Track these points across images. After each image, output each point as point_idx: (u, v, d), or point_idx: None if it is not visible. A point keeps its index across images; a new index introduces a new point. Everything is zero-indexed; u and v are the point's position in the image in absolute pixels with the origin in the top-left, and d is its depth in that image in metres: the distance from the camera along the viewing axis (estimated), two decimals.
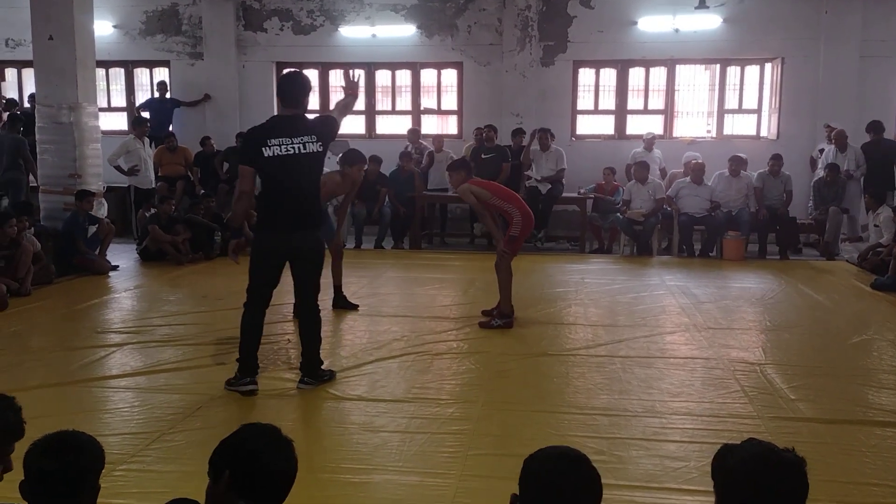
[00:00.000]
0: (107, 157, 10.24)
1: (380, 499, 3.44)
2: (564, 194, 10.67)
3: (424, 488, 3.50)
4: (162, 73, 12.81)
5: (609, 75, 12.09)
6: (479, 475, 3.60)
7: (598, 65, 12.06)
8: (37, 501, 1.96)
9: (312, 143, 4.62)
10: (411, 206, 10.76)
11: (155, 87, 12.49)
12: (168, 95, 12.27)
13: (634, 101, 12.15)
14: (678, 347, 5.90)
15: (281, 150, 4.54)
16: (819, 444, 4.00)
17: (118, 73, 12.94)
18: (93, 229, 8.94)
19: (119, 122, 12.83)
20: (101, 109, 10.46)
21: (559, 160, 10.67)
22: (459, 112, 12.37)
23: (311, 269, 4.84)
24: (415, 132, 11.86)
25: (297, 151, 4.57)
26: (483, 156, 10.63)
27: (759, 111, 12.06)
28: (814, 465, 3.68)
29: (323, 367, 4.98)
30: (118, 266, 9.01)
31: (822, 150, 10.77)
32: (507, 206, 6.37)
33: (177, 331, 6.32)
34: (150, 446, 3.92)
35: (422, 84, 12.51)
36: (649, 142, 11.22)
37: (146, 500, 3.30)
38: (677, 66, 12.00)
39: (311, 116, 4.82)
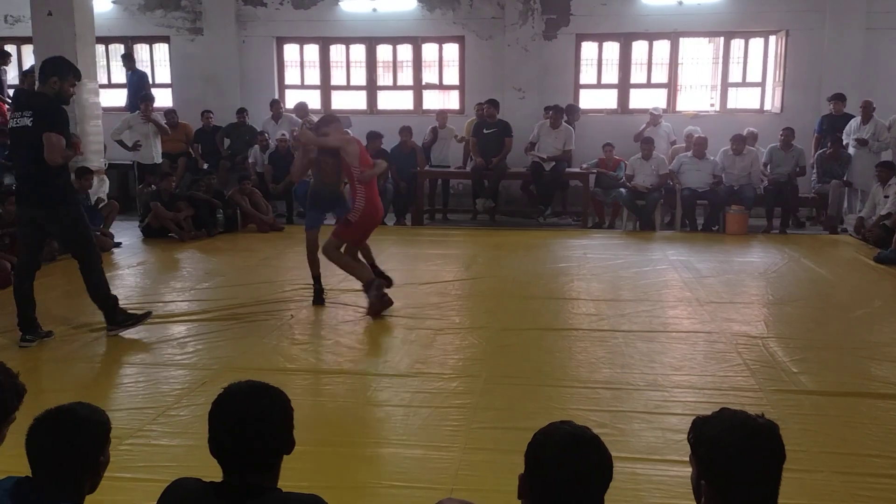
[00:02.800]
0: (110, 133, 10.22)
1: (384, 472, 3.47)
2: (567, 170, 10.62)
3: (428, 461, 3.53)
4: (162, 49, 12.74)
5: (612, 49, 11.99)
6: (482, 448, 3.63)
7: (600, 38, 11.95)
8: (41, 475, 1.97)
9: (25, 118, 5.02)
10: (413, 182, 10.73)
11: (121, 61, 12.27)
12: (143, 68, 12.14)
13: (638, 75, 12.06)
14: (680, 321, 5.91)
15: (12, 123, 5.15)
16: (821, 416, 4.02)
17: (118, 50, 12.85)
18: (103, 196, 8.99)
19: (119, 98, 12.75)
20: (101, 86, 10.43)
21: (567, 140, 10.58)
22: (461, 87, 12.30)
23: (63, 236, 5.34)
24: (302, 108, 11.50)
25: (15, 125, 5.10)
26: (485, 131, 10.58)
27: (762, 84, 11.98)
28: (815, 436, 3.75)
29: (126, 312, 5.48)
30: (121, 243, 9.02)
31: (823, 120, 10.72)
32: (358, 184, 5.90)
33: (180, 307, 6.36)
34: (155, 420, 3.95)
35: (423, 59, 12.42)
36: (655, 118, 11.13)
37: (153, 473, 3.33)
38: (681, 40, 11.90)
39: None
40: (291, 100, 12.57)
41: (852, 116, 10.37)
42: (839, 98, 10.47)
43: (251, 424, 1.88)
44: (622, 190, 10.19)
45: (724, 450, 1.76)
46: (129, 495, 3.08)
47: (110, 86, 12.68)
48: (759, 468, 1.76)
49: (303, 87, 12.70)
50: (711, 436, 1.80)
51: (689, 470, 3.32)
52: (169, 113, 11.49)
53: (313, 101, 12.56)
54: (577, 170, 10.67)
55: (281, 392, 1.99)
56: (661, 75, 12.02)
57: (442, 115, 11.26)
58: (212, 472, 1.97)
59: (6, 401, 2.21)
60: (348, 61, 12.58)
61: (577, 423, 1.89)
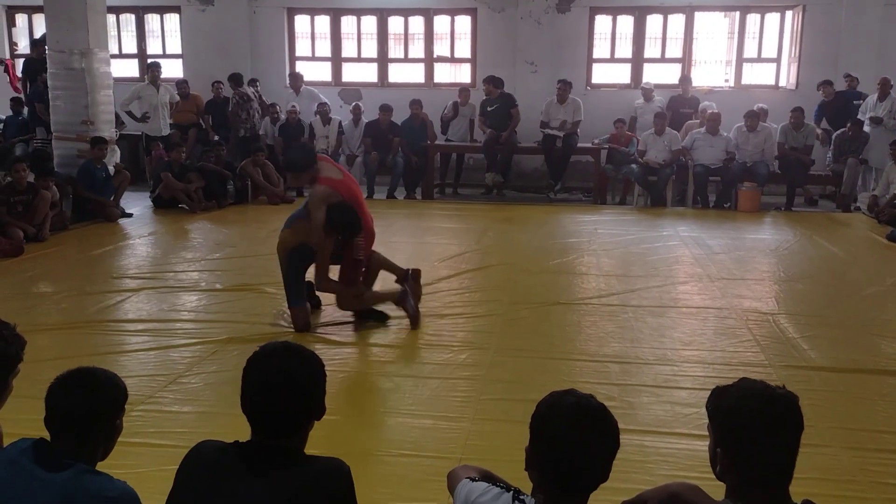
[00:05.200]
0: (119, 103, 10.18)
1: (394, 441, 3.49)
2: (579, 145, 10.55)
3: (437, 431, 3.55)
4: (173, 20, 12.67)
5: (626, 22, 11.85)
6: (491, 419, 3.64)
7: (615, 12, 11.81)
8: (57, 435, 1.99)
9: None
10: (424, 155, 10.69)
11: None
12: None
13: (651, 50, 11.93)
14: (691, 297, 5.89)
15: None
16: (830, 392, 4.02)
17: (129, 20, 12.80)
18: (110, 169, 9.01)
19: (130, 68, 12.74)
20: (112, 56, 10.38)
21: (576, 112, 10.50)
22: (473, 60, 12.19)
23: None
24: (297, 79, 11.54)
25: None
26: (489, 108, 10.52)
27: (778, 60, 11.83)
28: (825, 412, 3.74)
29: None
30: (132, 213, 9.05)
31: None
32: None
33: (191, 277, 6.39)
34: (166, 388, 3.98)
35: (435, 31, 12.31)
36: (647, 92, 11.04)
37: (164, 438, 3.37)
38: (696, 14, 11.75)
39: None
40: (302, 71, 12.51)
41: (859, 95, 10.30)
42: (828, 83, 10.45)
43: (283, 384, 1.87)
44: (634, 166, 10.12)
45: (742, 416, 1.75)
46: (140, 460, 3.11)
47: (121, 56, 12.64)
48: (775, 436, 1.75)
49: (313, 58, 12.62)
50: (729, 403, 1.79)
51: (698, 443, 3.35)
52: (180, 84, 11.45)
53: (324, 73, 12.51)
54: (589, 145, 10.61)
55: (314, 355, 1.99)
56: (675, 50, 11.88)
57: (465, 92, 11.15)
58: (224, 439, 1.97)
59: (11, 353, 2.24)
60: (359, 33, 12.48)
61: (578, 391, 1.86)
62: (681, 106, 10.91)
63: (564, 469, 1.74)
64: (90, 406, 1.98)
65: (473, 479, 2.01)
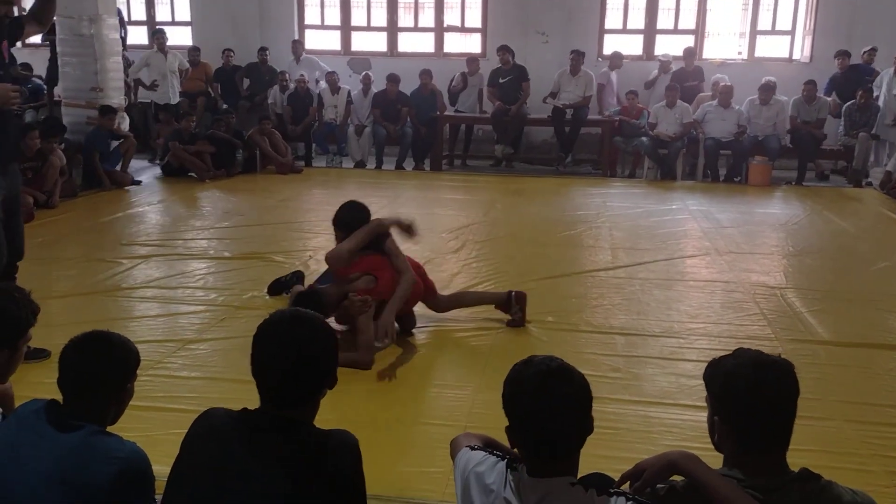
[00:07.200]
0: (128, 71, 10.16)
1: (400, 409, 3.52)
2: (589, 117, 10.47)
3: (443, 399, 3.60)
4: None
5: None
6: (496, 389, 3.59)
7: None
8: (69, 397, 2.02)
9: None
10: (433, 126, 10.64)
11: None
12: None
13: (665, 20, 11.79)
14: (699, 271, 5.89)
15: None
16: (837, 366, 4.02)
17: None
18: (115, 144, 8.97)
19: (139, 35, 12.66)
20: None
21: (588, 86, 10.41)
22: (483, 30, 12.07)
23: None
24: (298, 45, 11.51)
25: None
26: (501, 80, 10.43)
27: (792, 33, 11.68)
28: (830, 385, 3.76)
29: None
30: (141, 181, 9.07)
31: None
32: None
33: (200, 245, 6.42)
34: (175, 353, 4.02)
35: (445, 0, 12.18)
36: (665, 64, 10.92)
37: (173, 403, 3.41)
38: None
39: None
40: (311, 40, 12.44)
41: (871, 70, 10.16)
42: (845, 54, 10.27)
43: (295, 354, 1.85)
44: (644, 138, 10.06)
45: (736, 383, 1.77)
46: (149, 424, 3.14)
47: (130, 23, 12.56)
48: (769, 401, 1.76)
49: (323, 27, 12.53)
50: (725, 371, 1.81)
51: (702, 414, 3.34)
52: (191, 51, 11.40)
53: (333, 41, 12.42)
54: (600, 117, 10.53)
55: (326, 324, 1.98)
56: (688, 21, 11.74)
57: (473, 62, 11.06)
58: (231, 405, 1.98)
59: (22, 316, 2.26)
60: (369, 1, 12.36)
61: (539, 356, 1.87)
62: (684, 80, 10.72)
63: (545, 439, 1.78)
64: (103, 368, 2.01)
65: (473, 448, 2.03)
